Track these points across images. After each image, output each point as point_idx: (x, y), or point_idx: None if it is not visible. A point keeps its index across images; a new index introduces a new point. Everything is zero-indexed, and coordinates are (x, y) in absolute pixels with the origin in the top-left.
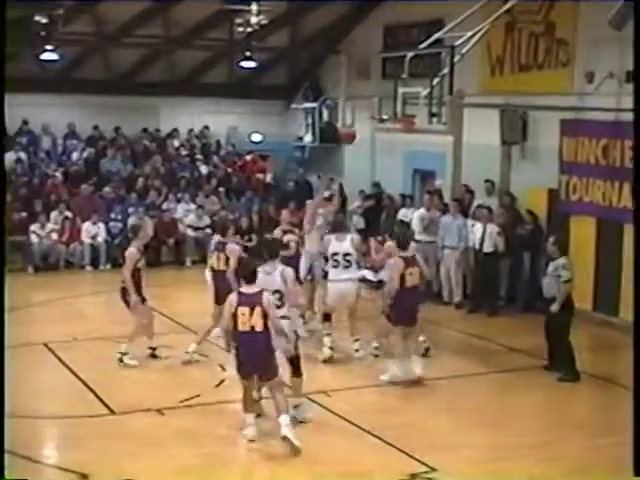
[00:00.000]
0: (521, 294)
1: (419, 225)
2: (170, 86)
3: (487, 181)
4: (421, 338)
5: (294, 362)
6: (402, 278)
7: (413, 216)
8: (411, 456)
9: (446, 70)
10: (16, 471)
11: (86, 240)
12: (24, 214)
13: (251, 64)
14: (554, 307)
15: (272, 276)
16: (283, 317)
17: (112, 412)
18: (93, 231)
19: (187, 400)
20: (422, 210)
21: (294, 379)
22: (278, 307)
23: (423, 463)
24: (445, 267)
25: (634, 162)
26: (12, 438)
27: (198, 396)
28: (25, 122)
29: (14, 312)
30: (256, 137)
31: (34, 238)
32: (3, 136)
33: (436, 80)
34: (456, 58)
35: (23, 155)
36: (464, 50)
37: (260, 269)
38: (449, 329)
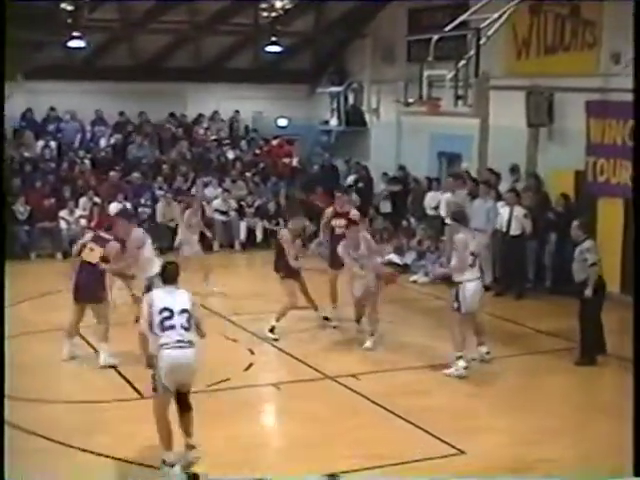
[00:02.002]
0: (548, 277)
1: (446, 210)
2: (196, 72)
3: (513, 165)
4: (484, 349)
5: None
6: None
7: (440, 201)
8: (440, 439)
9: (472, 52)
10: (49, 455)
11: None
12: (53, 200)
13: (276, 49)
14: (587, 292)
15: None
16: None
17: (142, 396)
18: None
19: (216, 384)
20: (448, 195)
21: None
22: (186, 329)
23: (452, 446)
24: None
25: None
26: (45, 422)
27: (228, 380)
28: (52, 109)
29: (44, 298)
30: (282, 122)
31: (63, 224)
32: (2, 134)
33: (462, 62)
34: (482, 40)
35: (52, 142)
36: (490, 32)
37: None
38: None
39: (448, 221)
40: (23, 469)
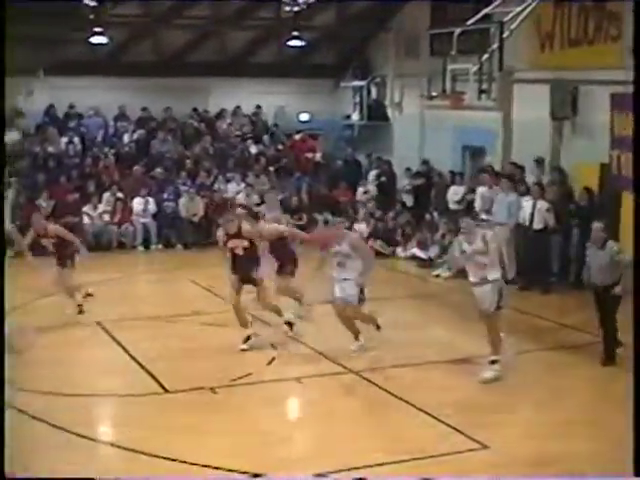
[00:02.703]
0: (573, 271)
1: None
2: (218, 67)
3: (538, 157)
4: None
5: None
6: None
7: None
8: (463, 433)
9: (495, 46)
10: (73, 449)
11: (137, 209)
12: (77, 195)
13: (299, 43)
14: (619, 289)
15: None
16: None
17: (166, 390)
18: (143, 205)
19: (240, 378)
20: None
21: None
22: None
23: (475, 440)
24: None
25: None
26: (69, 416)
27: (250, 374)
28: (71, 106)
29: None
30: (304, 116)
31: (86, 219)
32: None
33: (485, 56)
34: (505, 34)
35: (75, 138)
36: (513, 25)
37: None
38: None
39: (484, 216)
40: (44, 461)
